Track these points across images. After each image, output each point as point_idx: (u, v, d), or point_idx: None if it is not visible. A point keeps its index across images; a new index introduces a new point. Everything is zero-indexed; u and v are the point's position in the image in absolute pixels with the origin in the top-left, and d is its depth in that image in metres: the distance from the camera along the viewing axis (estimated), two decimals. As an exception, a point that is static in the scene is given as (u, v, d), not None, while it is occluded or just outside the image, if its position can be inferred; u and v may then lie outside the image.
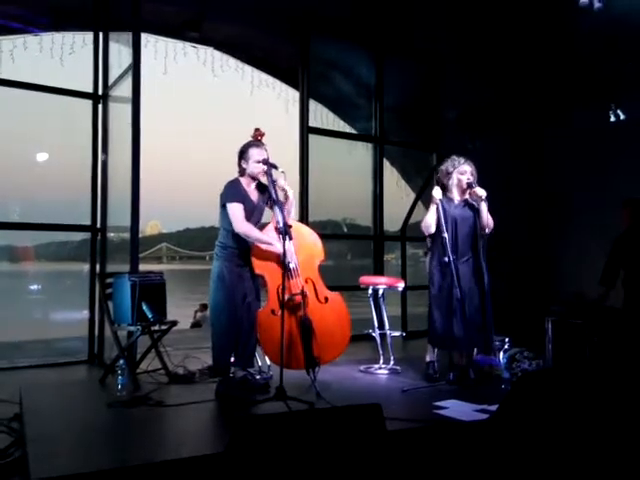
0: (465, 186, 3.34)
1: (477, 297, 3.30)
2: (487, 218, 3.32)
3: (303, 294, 3.12)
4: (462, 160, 3.40)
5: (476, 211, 3.33)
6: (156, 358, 3.45)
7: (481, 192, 3.28)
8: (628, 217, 4.11)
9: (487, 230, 3.35)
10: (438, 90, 5.77)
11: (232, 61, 6.00)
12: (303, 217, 4.73)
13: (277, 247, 3.02)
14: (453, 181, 3.38)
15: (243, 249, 3.10)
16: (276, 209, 3.06)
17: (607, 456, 1.97)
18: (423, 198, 5.39)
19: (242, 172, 3.14)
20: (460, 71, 5.62)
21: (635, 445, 1.99)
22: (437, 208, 3.29)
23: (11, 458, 2.25)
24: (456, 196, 3.41)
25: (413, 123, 5.96)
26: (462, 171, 3.36)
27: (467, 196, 3.41)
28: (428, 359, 3.50)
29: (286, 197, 3.17)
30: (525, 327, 4.22)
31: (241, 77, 6.09)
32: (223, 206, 3.09)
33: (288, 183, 3.18)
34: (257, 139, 3.17)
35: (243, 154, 3.11)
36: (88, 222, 4.29)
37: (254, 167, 3.09)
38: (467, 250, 3.33)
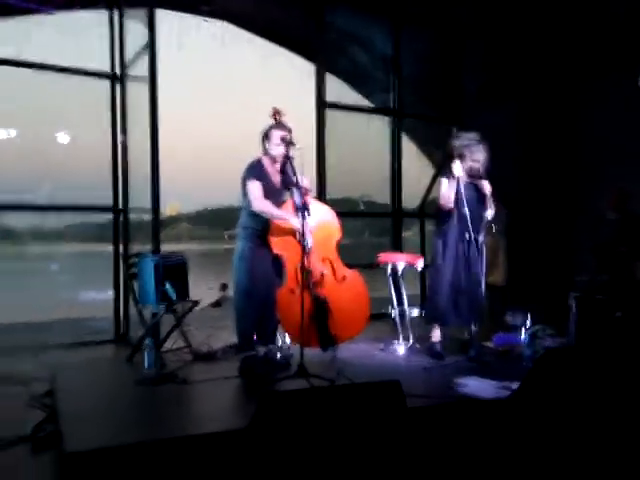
0: (476, 174, 3.37)
1: (478, 275, 3.35)
2: (490, 205, 3.43)
3: (320, 273, 3.12)
4: (478, 146, 3.40)
5: (481, 194, 3.40)
6: (180, 337, 3.52)
7: (487, 189, 3.38)
8: None
9: (490, 214, 3.46)
10: (459, 60, 5.56)
11: (247, 35, 5.88)
12: (320, 195, 4.69)
13: (294, 222, 3.01)
14: (465, 165, 3.39)
15: (264, 229, 3.12)
16: (294, 189, 3.05)
17: (631, 435, 1.95)
18: (443, 173, 5.28)
19: (265, 152, 3.18)
20: (482, 39, 5.40)
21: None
22: (457, 183, 3.30)
23: (45, 432, 2.35)
24: (465, 177, 3.42)
25: (433, 95, 5.78)
26: (476, 159, 3.38)
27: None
28: (434, 339, 3.51)
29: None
30: (549, 303, 4.15)
31: (256, 51, 5.97)
32: (244, 185, 3.11)
33: (304, 160, 3.16)
34: (275, 119, 3.16)
35: (267, 135, 3.16)
36: (110, 203, 4.35)
37: (275, 149, 3.12)
38: (474, 229, 3.34)
